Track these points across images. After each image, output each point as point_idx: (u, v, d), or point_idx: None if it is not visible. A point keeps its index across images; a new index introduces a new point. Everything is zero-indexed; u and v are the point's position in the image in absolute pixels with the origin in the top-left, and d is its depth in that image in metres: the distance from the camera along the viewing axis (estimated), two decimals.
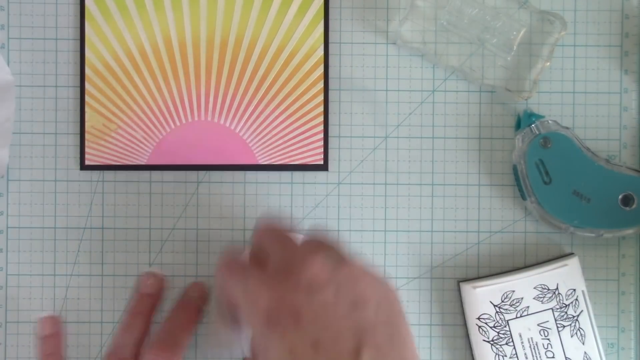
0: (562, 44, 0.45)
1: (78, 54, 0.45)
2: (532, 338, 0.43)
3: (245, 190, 0.46)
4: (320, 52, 0.45)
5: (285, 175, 0.46)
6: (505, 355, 0.43)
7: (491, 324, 0.43)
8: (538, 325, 0.43)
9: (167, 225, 0.45)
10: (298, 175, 0.46)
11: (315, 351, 0.30)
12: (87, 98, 0.45)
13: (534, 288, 0.43)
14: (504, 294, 0.43)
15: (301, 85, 0.45)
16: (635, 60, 0.46)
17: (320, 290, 0.31)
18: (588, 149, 0.44)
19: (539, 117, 0.44)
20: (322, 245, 0.33)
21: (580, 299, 0.44)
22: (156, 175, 0.45)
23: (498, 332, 0.43)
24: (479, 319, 0.43)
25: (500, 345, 0.43)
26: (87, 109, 0.45)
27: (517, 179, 0.44)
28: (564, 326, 0.43)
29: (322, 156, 0.45)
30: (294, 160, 0.45)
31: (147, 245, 0.45)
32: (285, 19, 0.45)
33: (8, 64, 0.45)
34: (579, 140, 0.43)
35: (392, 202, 0.46)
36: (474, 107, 0.46)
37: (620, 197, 0.43)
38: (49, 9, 0.45)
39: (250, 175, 0.46)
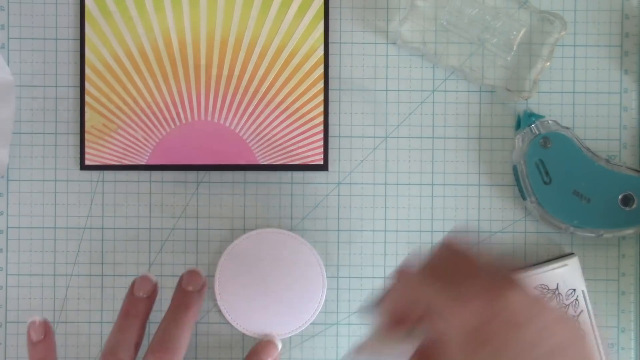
0: (562, 44, 0.45)
1: (78, 54, 0.45)
2: None
3: (245, 190, 0.46)
4: (320, 52, 0.45)
5: (285, 175, 0.46)
6: None
7: None
8: None
9: (167, 225, 0.45)
10: (298, 175, 0.46)
11: None
12: (87, 98, 0.45)
13: (534, 288, 0.43)
14: None
15: (301, 85, 0.45)
16: (635, 60, 0.46)
17: (520, 329, 0.31)
18: (588, 149, 0.44)
19: (539, 117, 0.44)
20: (515, 279, 0.32)
21: (580, 299, 0.44)
22: (156, 175, 0.45)
23: None
24: None
25: None
26: (87, 109, 0.45)
27: (517, 179, 0.44)
28: None
29: (322, 156, 0.45)
30: (294, 160, 0.45)
31: (147, 245, 0.45)
32: (285, 19, 0.45)
33: (8, 64, 0.45)
34: (579, 140, 0.43)
35: (392, 202, 0.46)
36: (474, 107, 0.46)
37: (620, 197, 0.43)
38: (49, 9, 0.45)
39: (250, 175, 0.46)
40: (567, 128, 0.44)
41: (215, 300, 0.45)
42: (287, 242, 0.45)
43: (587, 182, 0.43)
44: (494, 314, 0.31)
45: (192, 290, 0.42)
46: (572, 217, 0.43)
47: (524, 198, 0.44)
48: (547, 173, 0.43)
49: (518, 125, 0.45)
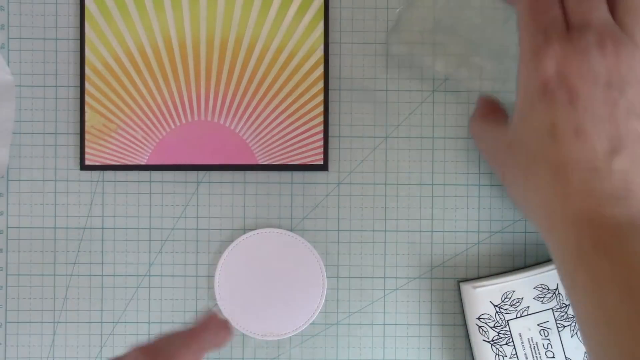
0: None
1: (78, 54, 0.45)
2: (532, 338, 0.43)
3: (245, 190, 0.46)
4: (320, 52, 0.45)
5: (285, 175, 0.46)
6: (505, 356, 0.43)
7: (491, 324, 0.43)
8: (538, 325, 0.43)
9: (167, 225, 0.45)
10: (298, 175, 0.46)
11: (576, 136, 0.31)
12: (87, 98, 0.45)
13: (534, 288, 0.43)
14: (504, 294, 0.43)
15: (301, 85, 0.45)
16: None
17: (607, 84, 0.31)
18: None
19: None
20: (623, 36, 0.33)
21: None
22: (156, 175, 0.45)
23: (498, 332, 0.43)
24: (479, 319, 0.43)
25: (500, 345, 0.43)
26: (87, 109, 0.45)
27: None
28: (564, 326, 0.43)
29: (322, 156, 0.45)
30: (294, 160, 0.45)
31: (147, 245, 0.45)
32: (285, 19, 0.45)
33: (8, 64, 0.45)
34: None
35: (392, 202, 0.46)
36: (474, 107, 0.46)
37: None
38: (49, 9, 0.45)
39: (250, 175, 0.46)
40: None
41: (215, 300, 0.45)
42: (287, 242, 0.45)
43: None
44: (564, 79, 0.32)
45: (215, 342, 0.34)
46: None
47: None
48: None
49: None
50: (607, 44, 0.32)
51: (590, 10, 0.33)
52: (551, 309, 0.43)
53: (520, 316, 0.43)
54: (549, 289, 0.43)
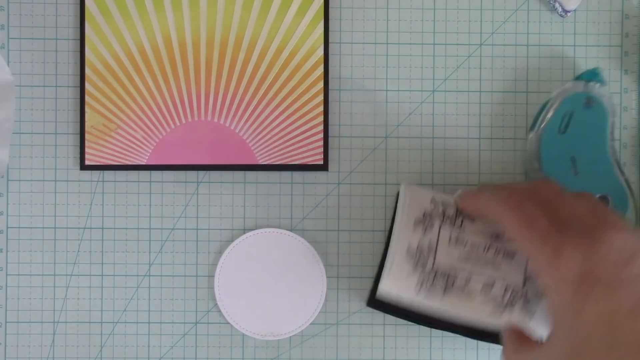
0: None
1: (78, 54, 0.45)
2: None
3: (245, 190, 0.46)
4: (320, 52, 0.45)
5: (285, 175, 0.46)
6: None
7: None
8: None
9: (167, 225, 0.45)
10: (298, 175, 0.46)
11: (634, 318, 0.32)
12: (87, 98, 0.45)
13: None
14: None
15: (301, 85, 0.45)
16: (635, 60, 0.46)
17: (629, 263, 0.33)
18: (613, 139, 0.44)
19: (603, 82, 0.44)
20: (614, 213, 0.36)
21: None
22: (156, 175, 0.45)
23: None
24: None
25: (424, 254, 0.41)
26: (87, 109, 0.45)
27: (541, 110, 0.44)
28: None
29: (322, 156, 0.45)
30: (294, 160, 0.45)
31: (147, 245, 0.45)
32: (285, 19, 0.45)
33: (8, 64, 0.45)
34: (612, 127, 0.43)
35: (392, 202, 0.45)
36: (474, 107, 0.46)
37: (597, 195, 0.43)
38: (49, 9, 0.45)
39: (250, 175, 0.46)
40: (615, 111, 0.44)
41: (215, 300, 0.45)
42: (287, 242, 0.45)
43: (587, 160, 0.43)
44: (600, 258, 0.33)
45: None
46: (553, 172, 0.43)
47: (531, 128, 0.44)
48: (567, 126, 0.43)
49: (579, 76, 0.44)
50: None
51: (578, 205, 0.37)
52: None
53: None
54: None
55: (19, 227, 0.45)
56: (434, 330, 0.45)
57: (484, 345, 0.45)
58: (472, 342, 0.45)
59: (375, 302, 0.42)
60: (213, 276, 0.45)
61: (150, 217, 0.45)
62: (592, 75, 0.44)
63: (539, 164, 0.44)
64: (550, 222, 0.35)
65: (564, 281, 0.34)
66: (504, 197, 0.38)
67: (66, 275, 0.45)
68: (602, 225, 0.35)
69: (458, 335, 0.45)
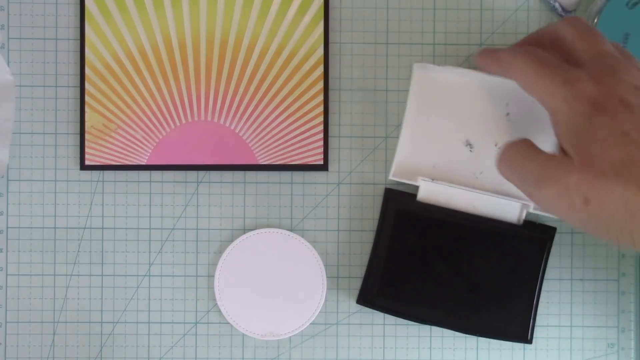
0: None
1: (78, 54, 0.45)
2: None
3: (245, 190, 0.46)
4: (320, 52, 0.45)
5: (285, 175, 0.46)
6: None
7: None
8: None
9: (167, 225, 0.45)
10: (298, 175, 0.46)
11: None
12: (87, 98, 0.45)
13: None
14: None
15: (301, 85, 0.45)
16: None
17: (637, 87, 0.34)
18: None
19: None
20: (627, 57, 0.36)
21: None
22: (156, 175, 0.45)
23: None
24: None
25: None
26: (87, 109, 0.45)
27: None
28: None
29: (322, 156, 0.45)
30: (294, 160, 0.45)
31: (147, 245, 0.45)
32: (285, 19, 0.45)
33: (8, 64, 0.45)
34: None
35: None
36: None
37: None
38: (49, 9, 0.45)
39: (250, 175, 0.46)
40: None
41: (215, 300, 0.45)
42: (287, 242, 0.45)
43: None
44: (620, 82, 0.34)
45: None
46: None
47: None
48: (636, 3, 0.42)
49: None
50: (624, 56, 0.36)
51: (598, 44, 0.37)
52: None
53: None
54: None
55: (19, 227, 0.45)
56: (434, 330, 0.45)
57: (484, 345, 0.45)
58: (472, 342, 0.45)
59: (364, 298, 0.44)
60: (213, 276, 0.45)
61: (150, 217, 0.45)
62: None
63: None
64: (565, 63, 0.36)
65: (578, 99, 0.34)
66: (519, 51, 0.37)
67: (66, 275, 0.45)
68: (615, 64, 0.35)
69: (458, 336, 0.45)
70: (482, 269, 0.43)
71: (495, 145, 0.43)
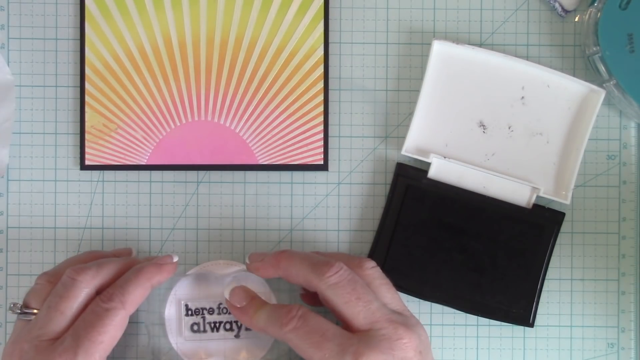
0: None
1: (78, 54, 0.45)
2: None
3: (245, 190, 0.46)
4: (320, 52, 0.45)
5: (285, 175, 0.46)
6: None
7: None
8: None
9: (167, 225, 0.45)
10: (298, 175, 0.46)
11: None
12: (87, 98, 0.45)
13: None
14: None
15: (301, 85, 0.45)
16: None
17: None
18: None
19: None
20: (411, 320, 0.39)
21: None
22: (156, 175, 0.45)
23: None
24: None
25: None
26: (87, 109, 0.45)
27: None
28: None
29: (322, 156, 0.45)
30: (294, 160, 0.45)
31: (147, 245, 0.45)
32: (285, 19, 0.45)
33: (8, 64, 0.45)
34: None
35: None
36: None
37: None
38: (49, 9, 0.45)
39: (250, 175, 0.46)
40: None
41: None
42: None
43: None
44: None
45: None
46: (609, 48, 0.42)
47: (590, 4, 0.43)
48: (628, 2, 0.42)
49: None
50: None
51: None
52: None
53: None
54: None
55: (19, 227, 0.45)
56: (434, 329, 0.45)
57: (484, 345, 0.45)
58: (472, 342, 0.45)
59: None
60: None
61: (150, 217, 0.45)
62: None
63: (595, 38, 0.43)
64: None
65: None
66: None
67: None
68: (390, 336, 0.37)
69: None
70: (489, 250, 0.43)
71: (509, 128, 0.43)
